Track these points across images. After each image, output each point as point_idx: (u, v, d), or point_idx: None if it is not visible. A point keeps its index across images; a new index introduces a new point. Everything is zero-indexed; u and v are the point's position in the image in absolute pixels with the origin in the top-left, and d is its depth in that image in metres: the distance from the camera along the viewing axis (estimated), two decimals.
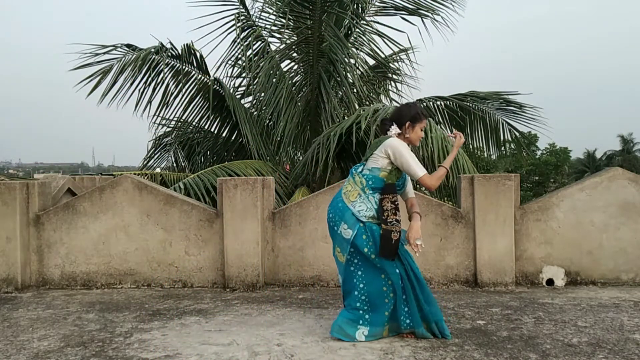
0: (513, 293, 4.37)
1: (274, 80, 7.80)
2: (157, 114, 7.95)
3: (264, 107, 8.00)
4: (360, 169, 3.27)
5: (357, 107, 7.96)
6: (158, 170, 8.78)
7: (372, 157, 3.22)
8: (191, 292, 4.60)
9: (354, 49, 8.34)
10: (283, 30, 8.31)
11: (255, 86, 8.04)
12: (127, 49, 7.58)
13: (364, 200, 3.15)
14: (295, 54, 8.53)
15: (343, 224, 3.13)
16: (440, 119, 8.36)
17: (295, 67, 8.59)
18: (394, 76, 9.04)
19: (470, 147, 8.52)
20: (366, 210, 3.13)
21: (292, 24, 8.32)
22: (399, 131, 3.27)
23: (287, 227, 4.77)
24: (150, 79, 7.57)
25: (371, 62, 8.84)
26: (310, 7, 7.52)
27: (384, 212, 3.10)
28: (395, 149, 3.16)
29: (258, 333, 3.33)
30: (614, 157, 49.37)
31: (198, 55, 7.92)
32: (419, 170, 3.13)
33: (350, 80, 7.87)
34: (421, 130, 3.30)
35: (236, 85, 8.80)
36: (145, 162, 9.06)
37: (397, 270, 3.11)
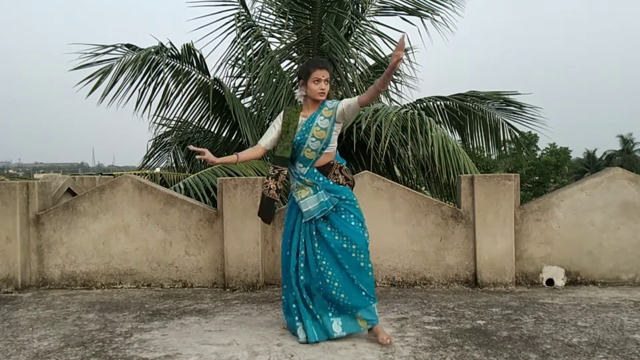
0: (513, 293, 4.37)
1: (274, 80, 7.80)
2: (157, 114, 7.94)
3: (264, 107, 8.00)
4: None
5: None
6: (158, 170, 8.78)
7: None
8: (191, 292, 4.60)
9: (354, 49, 8.35)
10: (283, 30, 8.32)
11: (255, 86, 8.03)
12: (127, 49, 7.57)
13: None
14: (295, 54, 8.53)
15: None
16: (440, 119, 8.36)
17: (295, 67, 8.59)
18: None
19: (470, 147, 8.52)
20: None
21: (292, 24, 8.33)
22: (302, 93, 3.20)
23: None
24: (150, 79, 7.56)
25: (371, 62, 8.84)
26: (310, 7, 7.52)
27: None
28: None
29: (258, 333, 3.34)
30: (614, 157, 49.47)
31: (198, 55, 7.91)
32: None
33: (350, 80, 7.88)
34: (316, 82, 3.08)
35: (236, 85, 8.80)
36: (145, 161, 9.07)
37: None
